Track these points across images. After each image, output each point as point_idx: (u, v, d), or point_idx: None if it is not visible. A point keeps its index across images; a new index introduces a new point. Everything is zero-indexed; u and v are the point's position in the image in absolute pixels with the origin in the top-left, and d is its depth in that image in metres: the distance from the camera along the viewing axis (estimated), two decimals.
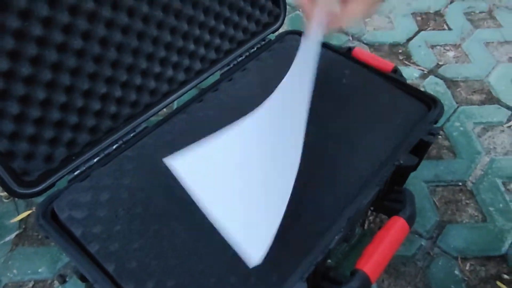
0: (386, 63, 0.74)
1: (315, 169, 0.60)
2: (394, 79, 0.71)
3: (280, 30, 0.82)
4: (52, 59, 0.53)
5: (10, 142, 0.53)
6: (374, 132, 0.64)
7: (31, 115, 0.54)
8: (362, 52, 0.76)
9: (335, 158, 0.61)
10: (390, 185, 0.65)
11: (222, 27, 0.72)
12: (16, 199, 0.78)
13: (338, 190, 0.58)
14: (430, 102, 0.67)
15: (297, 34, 0.80)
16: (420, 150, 0.64)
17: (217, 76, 0.74)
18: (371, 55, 0.76)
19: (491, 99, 0.97)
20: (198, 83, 0.73)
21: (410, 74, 1.01)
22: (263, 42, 0.80)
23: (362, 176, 0.59)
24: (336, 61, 0.75)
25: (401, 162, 0.60)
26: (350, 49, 0.76)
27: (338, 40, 1.11)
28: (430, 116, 0.66)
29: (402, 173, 0.65)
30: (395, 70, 0.73)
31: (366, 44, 1.09)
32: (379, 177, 0.59)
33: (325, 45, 0.78)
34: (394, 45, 1.08)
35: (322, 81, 0.72)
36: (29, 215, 0.76)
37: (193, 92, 0.72)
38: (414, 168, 0.64)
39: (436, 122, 0.66)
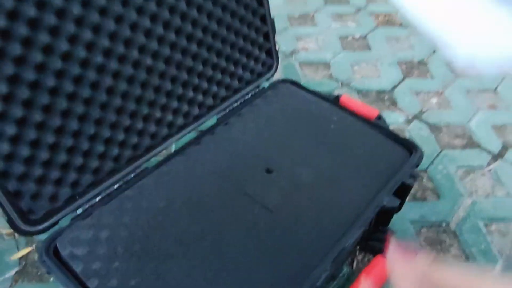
0: (371, 110, 0.79)
1: (302, 210, 0.64)
2: (378, 126, 0.76)
3: (274, 78, 0.88)
4: (62, 107, 0.58)
5: (19, 182, 0.57)
6: (359, 175, 0.69)
7: (40, 158, 0.58)
8: (349, 99, 0.82)
9: (322, 199, 0.65)
10: (375, 225, 0.69)
11: (219, 76, 0.78)
12: (17, 236, 0.80)
13: (324, 230, 0.61)
14: (411, 148, 0.72)
15: (289, 82, 0.86)
16: (403, 192, 0.68)
17: (214, 120, 0.80)
18: (357, 102, 0.81)
19: (472, 143, 1.02)
20: (196, 127, 0.78)
21: (396, 119, 1.06)
22: (257, 90, 0.85)
23: (347, 216, 0.63)
24: (325, 108, 0.81)
25: (385, 203, 0.65)
26: (338, 97, 0.82)
27: (329, 86, 1.17)
28: (411, 160, 0.70)
29: (386, 214, 0.69)
30: (379, 117, 0.78)
31: (355, 90, 1.16)
32: (364, 218, 0.63)
33: (315, 93, 0.84)
34: (381, 92, 1.15)
35: (311, 126, 0.78)
36: (29, 252, 0.79)
37: (191, 135, 0.77)
38: (397, 209, 0.68)
39: (417, 166, 0.71)
